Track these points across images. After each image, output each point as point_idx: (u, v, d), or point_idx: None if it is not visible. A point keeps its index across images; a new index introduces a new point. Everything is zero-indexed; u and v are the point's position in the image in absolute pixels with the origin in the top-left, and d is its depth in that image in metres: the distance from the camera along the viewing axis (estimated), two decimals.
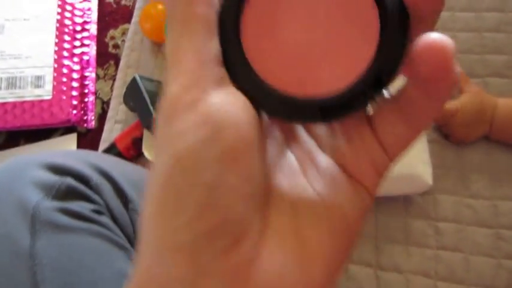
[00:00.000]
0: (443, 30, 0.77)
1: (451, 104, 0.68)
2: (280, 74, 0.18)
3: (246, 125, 0.18)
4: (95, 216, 0.40)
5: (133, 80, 0.74)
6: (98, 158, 0.48)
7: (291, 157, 0.21)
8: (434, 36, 0.16)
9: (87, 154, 0.49)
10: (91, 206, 0.41)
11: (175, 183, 0.17)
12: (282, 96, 0.18)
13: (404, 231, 0.65)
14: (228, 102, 0.17)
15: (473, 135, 0.68)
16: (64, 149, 0.82)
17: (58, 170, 0.42)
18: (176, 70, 0.18)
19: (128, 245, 0.41)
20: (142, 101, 0.73)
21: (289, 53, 0.18)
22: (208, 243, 0.17)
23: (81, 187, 0.41)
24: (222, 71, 0.18)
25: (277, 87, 0.18)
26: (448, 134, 0.69)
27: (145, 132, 0.77)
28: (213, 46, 0.18)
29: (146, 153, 0.75)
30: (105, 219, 0.41)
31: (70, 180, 0.41)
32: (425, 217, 0.65)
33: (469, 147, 0.68)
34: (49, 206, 0.39)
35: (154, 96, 0.75)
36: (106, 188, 0.43)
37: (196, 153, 0.17)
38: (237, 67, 0.18)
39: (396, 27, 0.17)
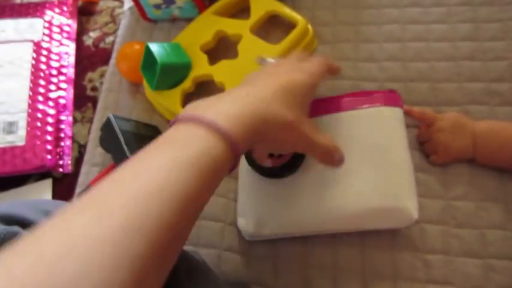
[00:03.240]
0: (421, 60, 0.77)
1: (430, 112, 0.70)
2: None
3: None
4: None
5: (108, 119, 0.72)
6: (57, 205, 0.47)
7: None
8: None
9: (47, 203, 0.48)
10: None
11: None
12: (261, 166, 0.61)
13: (392, 265, 0.62)
14: None
15: (454, 150, 0.66)
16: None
17: (5, 219, 0.40)
18: None
19: None
20: (116, 141, 0.70)
21: None
22: None
23: None
24: None
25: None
26: (430, 153, 0.68)
27: None
28: None
29: None
30: None
31: (16, 229, 0.39)
32: (412, 249, 0.63)
33: (453, 175, 0.67)
34: None
35: (130, 136, 0.73)
36: None
37: None
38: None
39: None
